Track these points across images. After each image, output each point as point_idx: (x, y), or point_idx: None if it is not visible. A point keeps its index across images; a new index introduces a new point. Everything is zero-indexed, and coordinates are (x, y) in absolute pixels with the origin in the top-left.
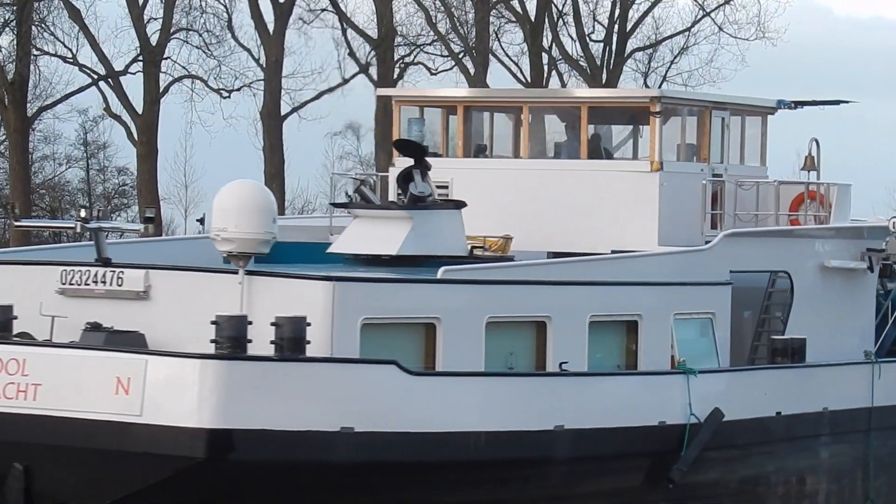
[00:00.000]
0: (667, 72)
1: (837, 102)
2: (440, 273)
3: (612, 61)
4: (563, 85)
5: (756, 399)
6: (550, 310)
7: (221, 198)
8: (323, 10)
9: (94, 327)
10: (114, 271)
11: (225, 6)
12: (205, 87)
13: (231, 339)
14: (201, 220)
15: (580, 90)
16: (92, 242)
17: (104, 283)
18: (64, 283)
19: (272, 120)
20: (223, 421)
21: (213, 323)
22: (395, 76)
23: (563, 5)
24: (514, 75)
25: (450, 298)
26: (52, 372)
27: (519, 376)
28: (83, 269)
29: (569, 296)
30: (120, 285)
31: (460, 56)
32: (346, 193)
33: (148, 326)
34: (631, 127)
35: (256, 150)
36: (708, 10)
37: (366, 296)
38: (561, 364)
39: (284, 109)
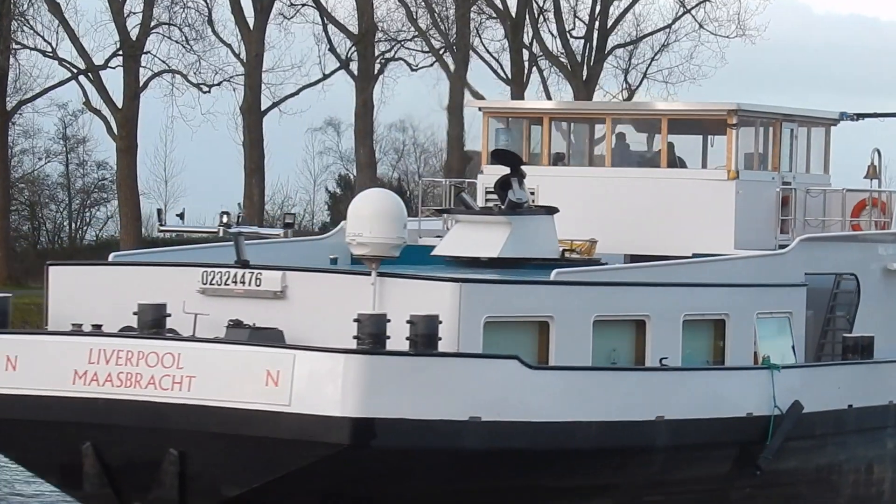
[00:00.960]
0: (647, 69)
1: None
2: (553, 275)
3: (592, 58)
4: (544, 81)
5: (831, 393)
6: (650, 309)
7: (357, 205)
8: (303, 4)
9: (237, 324)
10: (252, 272)
11: (205, 1)
12: (185, 81)
13: (372, 336)
14: (181, 215)
15: (661, 103)
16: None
17: (243, 283)
18: (205, 284)
19: (252, 115)
20: (365, 410)
21: (355, 321)
22: (376, 72)
23: (544, 2)
24: (495, 71)
25: (562, 299)
26: (205, 365)
27: (625, 370)
28: (223, 270)
29: (666, 296)
30: (258, 285)
31: (441, 52)
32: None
33: (284, 324)
34: (700, 137)
35: (236, 145)
36: (688, 7)
37: (488, 296)
38: (661, 360)
39: (265, 104)
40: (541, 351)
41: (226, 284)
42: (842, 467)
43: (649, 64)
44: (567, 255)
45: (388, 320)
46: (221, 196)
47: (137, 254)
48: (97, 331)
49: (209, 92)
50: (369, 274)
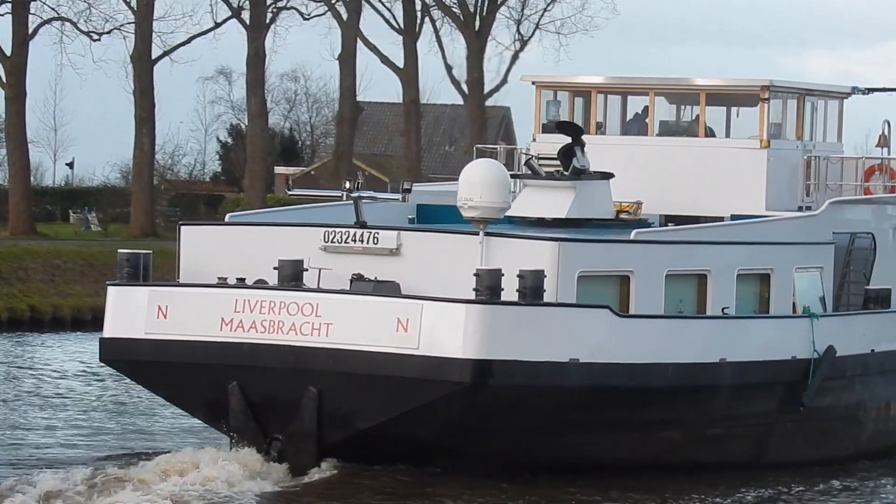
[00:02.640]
0: (540, 20)
1: None
2: (633, 235)
3: (485, 8)
4: (436, 32)
5: (858, 339)
6: (711, 264)
7: (468, 173)
8: None
9: (359, 278)
10: (370, 232)
11: None
12: (74, 29)
13: (489, 288)
14: (70, 164)
15: (700, 79)
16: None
17: (362, 241)
18: (326, 242)
19: (143, 64)
20: (485, 353)
21: (474, 275)
22: (268, 21)
23: None
24: (388, 21)
25: (640, 255)
26: (341, 313)
27: (696, 318)
28: (343, 230)
29: (723, 253)
30: (376, 243)
31: (333, 2)
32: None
33: (399, 277)
34: (724, 108)
35: (127, 94)
36: None
37: (582, 253)
38: (723, 309)
39: (155, 53)
40: (622, 301)
41: (346, 243)
42: (866, 405)
43: (541, 15)
44: (623, 216)
45: (503, 275)
46: (111, 145)
47: (251, 214)
48: (242, 283)
49: (99, 40)
50: (477, 233)
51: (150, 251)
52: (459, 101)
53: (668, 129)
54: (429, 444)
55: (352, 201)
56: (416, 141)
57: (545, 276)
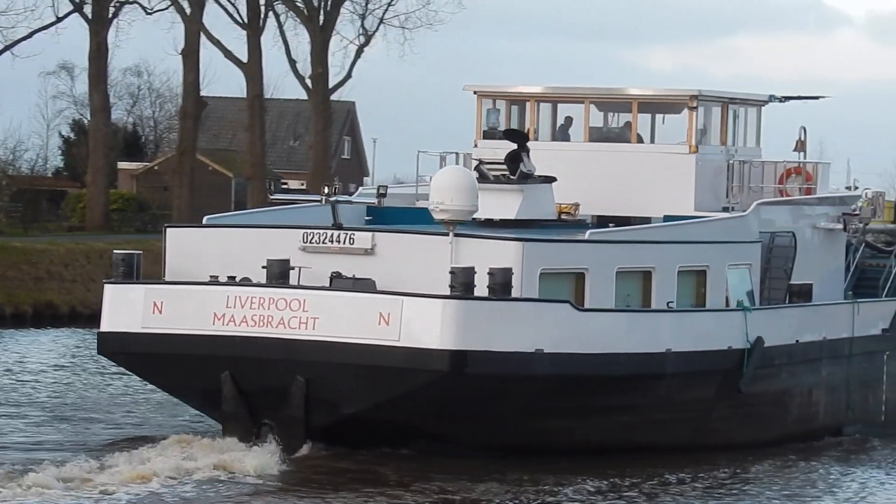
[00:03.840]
0: (384, 14)
1: (817, 98)
2: (588, 235)
3: (329, 3)
4: (280, 26)
5: (785, 330)
6: (655, 262)
7: (440, 179)
8: None
9: (339, 276)
10: (346, 233)
11: None
12: None
13: (463, 285)
14: None
15: (633, 88)
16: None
17: (339, 242)
18: (306, 243)
19: None
20: (460, 344)
21: (450, 272)
22: (110, 15)
23: None
24: (231, 16)
25: (595, 254)
26: (327, 308)
27: (646, 312)
28: (321, 231)
29: (666, 251)
30: (352, 244)
31: None
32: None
33: (374, 275)
34: (649, 115)
35: None
36: None
37: (543, 252)
38: (668, 303)
39: None
40: (578, 296)
41: (323, 243)
42: (791, 391)
43: (386, 9)
44: (564, 217)
45: (476, 272)
46: None
47: (228, 216)
48: (232, 281)
49: None
50: (447, 234)
51: (141, 252)
52: (304, 95)
53: (601, 136)
54: (409, 429)
55: (331, 205)
56: (260, 136)
57: (513, 274)
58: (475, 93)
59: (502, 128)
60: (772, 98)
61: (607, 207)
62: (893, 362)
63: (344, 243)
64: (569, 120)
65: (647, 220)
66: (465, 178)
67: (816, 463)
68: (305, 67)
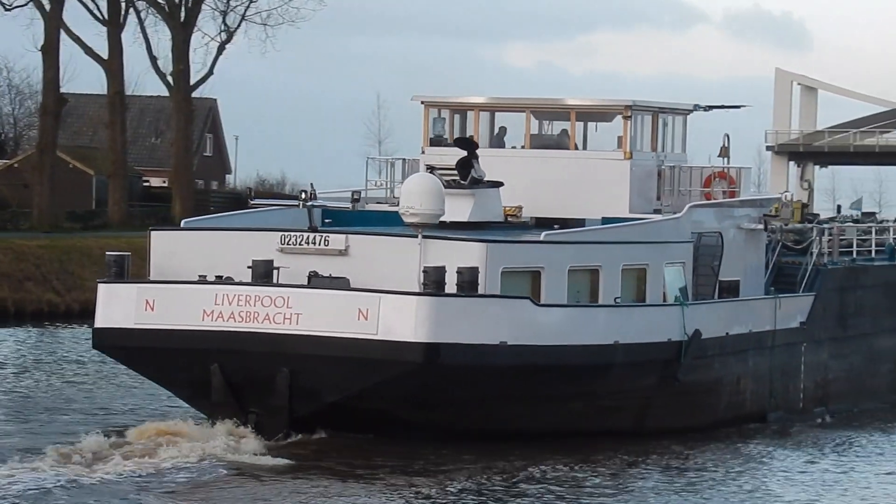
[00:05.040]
0: (246, 11)
1: (738, 107)
2: (543, 237)
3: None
4: (141, 23)
5: (716, 323)
6: (602, 261)
7: (410, 185)
8: None
9: (316, 275)
10: (321, 235)
11: None
12: None
13: (435, 283)
14: None
15: (571, 99)
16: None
17: (314, 243)
18: (283, 244)
19: None
20: (433, 337)
21: (423, 271)
22: None
23: None
24: (91, 12)
25: (549, 254)
26: (310, 305)
27: (597, 307)
28: (298, 233)
29: (611, 251)
30: (326, 245)
31: None
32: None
33: (348, 274)
34: (582, 124)
35: None
36: None
37: (504, 252)
38: (615, 298)
39: None
40: (535, 292)
41: (300, 244)
42: (722, 380)
43: (247, 6)
44: (511, 219)
45: (446, 271)
46: None
47: (206, 218)
48: (220, 280)
49: None
50: (415, 236)
51: (129, 253)
52: (165, 92)
53: (541, 143)
54: (387, 416)
55: (308, 210)
56: (121, 133)
57: (479, 273)
58: (422, 102)
59: (447, 136)
60: (696, 107)
61: (547, 210)
62: (810, 353)
63: (319, 245)
64: (503, 129)
65: (583, 222)
66: (432, 185)
67: (750, 444)
68: (167, 64)
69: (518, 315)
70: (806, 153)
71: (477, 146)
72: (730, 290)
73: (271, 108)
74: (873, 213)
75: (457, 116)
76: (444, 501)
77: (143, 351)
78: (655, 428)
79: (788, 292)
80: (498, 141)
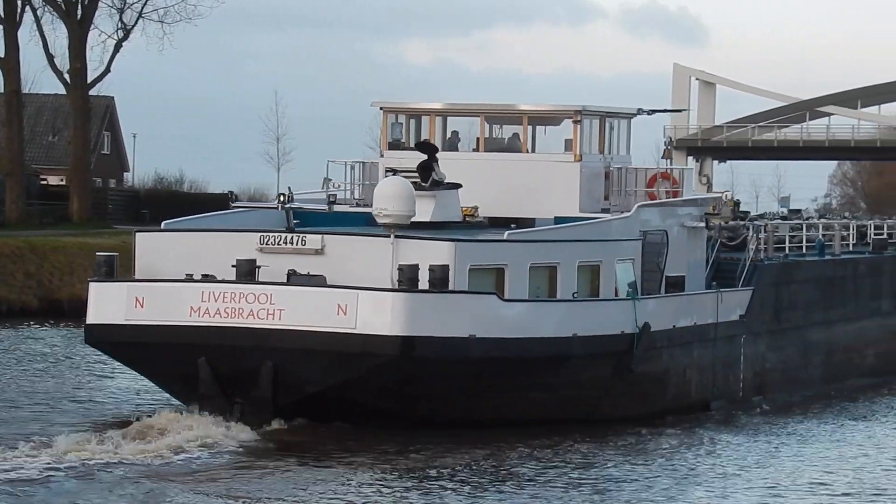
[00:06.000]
0: (143, 8)
1: (679, 111)
2: (506, 235)
3: None
4: (38, 21)
5: (664, 316)
6: (560, 258)
7: (382, 188)
8: None
9: (294, 273)
10: (299, 235)
11: None
12: None
13: (409, 280)
14: None
15: (524, 105)
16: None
17: (292, 243)
18: (262, 244)
19: None
20: (408, 330)
21: (398, 269)
22: None
23: None
24: None
25: (512, 252)
26: (292, 301)
27: (557, 301)
28: (276, 233)
29: (569, 248)
30: (303, 245)
31: None
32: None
33: (324, 272)
34: (531, 127)
35: None
36: None
37: (471, 250)
38: (573, 293)
39: None
40: (499, 288)
41: (278, 244)
42: (670, 371)
43: (144, 4)
44: (469, 219)
45: (419, 269)
46: None
47: (184, 220)
48: (206, 278)
49: None
50: (388, 236)
51: (116, 253)
52: (62, 90)
53: (495, 146)
54: (365, 406)
55: (286, 211)
56: (18, 131)
57: (449, 270)
58: (381, 108)
59: (404, 139)
60: (640, 111)
61: (500, 210)
62: (749, 345)
63: (297, 244)
64: (455, 133)
65: (534, 222)
66: (404, 188)
67: (699, 431)
68: (64, 62)
69: (485, 310)
70: (704, 148)
71: (437, 150)
72: (675, 285)
73: (169, 105)
74: (799, 210)
75: (412, 122)
76: (417, 486)
77: (133, 346)
78: (610, 416)
79: (728, 287)
80: (451, 144)
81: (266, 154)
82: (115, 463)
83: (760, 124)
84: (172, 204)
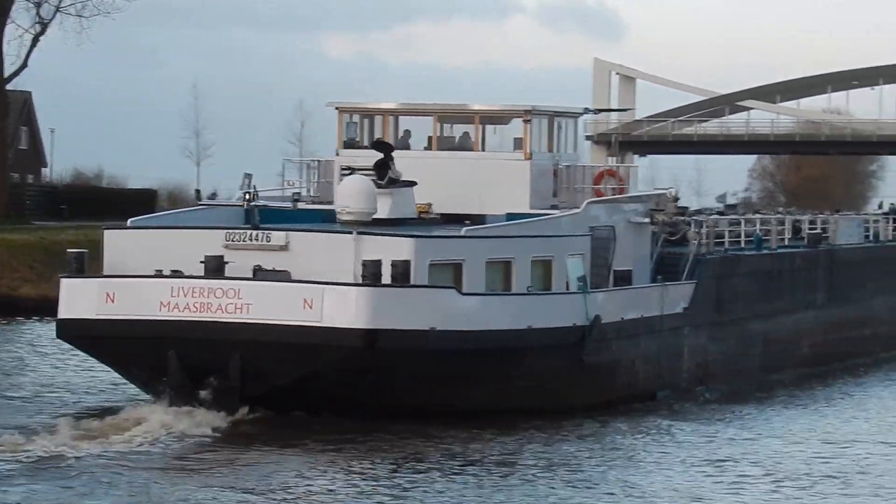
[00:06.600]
0: (60, 3)
1: (625, 110)
2: (464, 232)
3: None
4: None
5: (613, 309)
6: (515, 253)
7: (345, 187)
8: None
9: (260, 268)
10: (263, 232)
11: None
12: None
13: (373, 275)
14: None
15: (476, 104)
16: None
17: (257, 240)
18: (228, 241)
19: None
20: (372, 323)
21: (362, 265)
22: None
23: None
24: None
25: (470, 247)
26: (259, 296)
27: (512, 295)
28: (242, 230)
29: (523, 244)
30: (268, 241)
31: None
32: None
33: (288, 267)
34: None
35: None
36: None
37: (431, 246)
38: (528, 287)
39: None
40: (457, 282)
41: (244, 241)
42: (619, 361)
43: None
44: (423, 216)
45: (382, 264)
46: None
47: (150, 217)
48: (175, 274)
49: None
50: (350, 233)
51: (86, 250)
52: None
53: (447, 145)
54: (330, 396)
55: (250, 209)
56: None
57: (410, 265)
58: (337, 108)
59: (359, 139)
60: (587, 110)
61: (453, 206)
62: (692, 336)
63: (262, 241)
64: (407, 132)
65: (484, 219)
66: (366, 186)
67: (651, 419)
68: None
69: (445, 303)
70: (625, 143)
71: (393, 148)
72: (623, 279)
73: (88, 100)
74: (735, 206)
75: (365, 121)
76: (378, 471)
77: (104, 339)
78: (563, 405)
79: (672, 281)
80: (403, 143)
81: (185, 149)
82: (87, 455)
83: (680, 119)
84: (92, 199)
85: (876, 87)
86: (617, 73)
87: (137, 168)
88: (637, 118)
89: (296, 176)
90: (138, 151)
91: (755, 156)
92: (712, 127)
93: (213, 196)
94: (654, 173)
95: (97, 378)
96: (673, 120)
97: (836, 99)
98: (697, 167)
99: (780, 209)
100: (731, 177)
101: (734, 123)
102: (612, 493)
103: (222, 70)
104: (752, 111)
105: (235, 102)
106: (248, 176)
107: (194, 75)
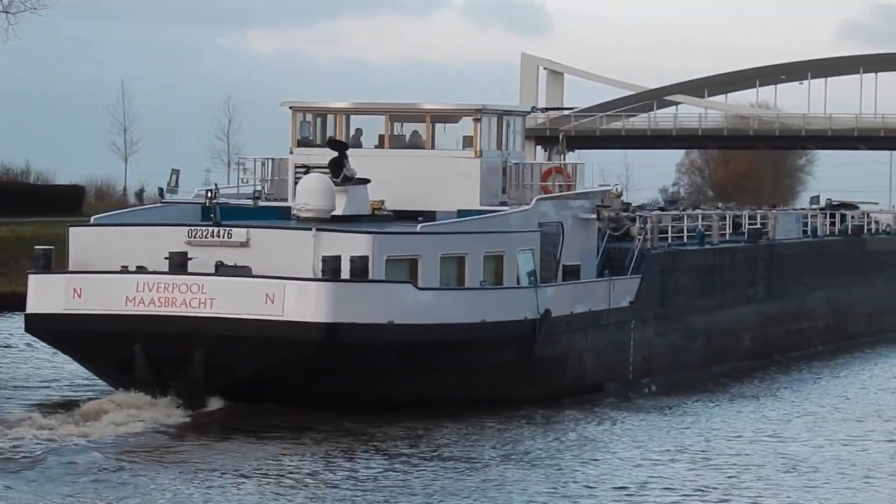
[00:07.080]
0: None
1: (571, 109)
2: (419, 228)
3: None
4: None
5: (563, 303)
6: (468, 249)
7: (304, 185)
8: None
9: (222, 264)
10: (225, 229)
11: None
12: None
13: (333, 270)
14: None
15: (427, 104)
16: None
17: (218, 236)
18: (190, 237)
19: None
20: (332, 317)
21: (322, 260)
22: None
23: None
24: None
25: (425, 243)
26: (222, 291)
27: (467, 290)
28: (203, 227)
29: (476, 240)
30: (229, 238)
31: None
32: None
33: (250, 263)
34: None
35: None
36: None
37: (388, 242)
38: (481, 282)
39: None
40: (413, 277)
41: (205, 237)
42: (569, 354)
43: None
44: (377, 212)
45: (341, 260)
46: None
47: (113, 215)
48: (140, 270)
49: None
50: (310, 229)
51: (52, 247)
52: None
53: (399, 143)
54: (292, 388)
55: (212, 207)
56: None
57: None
58: (290, 108)
59: (312, 137)
60: (534, 109)
61: (405, 203)
62: (637, 330)
63: (223, 237)
64: (359, 131)
65: (434, 215)
66: (324, 184)
67: (599, 409)
68: None
69: (402, 297)
70: (553, 137)
71: (347, 147)
72: (571, 273)
73: (15, 96)
74: (676, 202)
75: (318, 120)
76: (339, 459)
77: (72, 334)
78: (514, 397)
79: (618, 275)
80: (355, 141)
81: (113, 145)
82: (56, 447)
83: (608, 113)
84: (19, 195)
85: (804, 82)
86: (545, 68)
87: (65, 164)
88: (565, 113)
89: (221, 174)
90: (66, 147)
91: (683, 150)
92: (640, 121)
93: (140, 192)
94: (583, 169)
95: (64, 371)
96: (601, 115)
97: (765, 93)
98: (626, 162)
99: (720, 204)
100: (660, 171)
101: (662, 118)
102: (565, 484)
103: (150, 65)
104: (680, 106)
105: (163, 98)
106: (176, 172)
107: (122, 71)
